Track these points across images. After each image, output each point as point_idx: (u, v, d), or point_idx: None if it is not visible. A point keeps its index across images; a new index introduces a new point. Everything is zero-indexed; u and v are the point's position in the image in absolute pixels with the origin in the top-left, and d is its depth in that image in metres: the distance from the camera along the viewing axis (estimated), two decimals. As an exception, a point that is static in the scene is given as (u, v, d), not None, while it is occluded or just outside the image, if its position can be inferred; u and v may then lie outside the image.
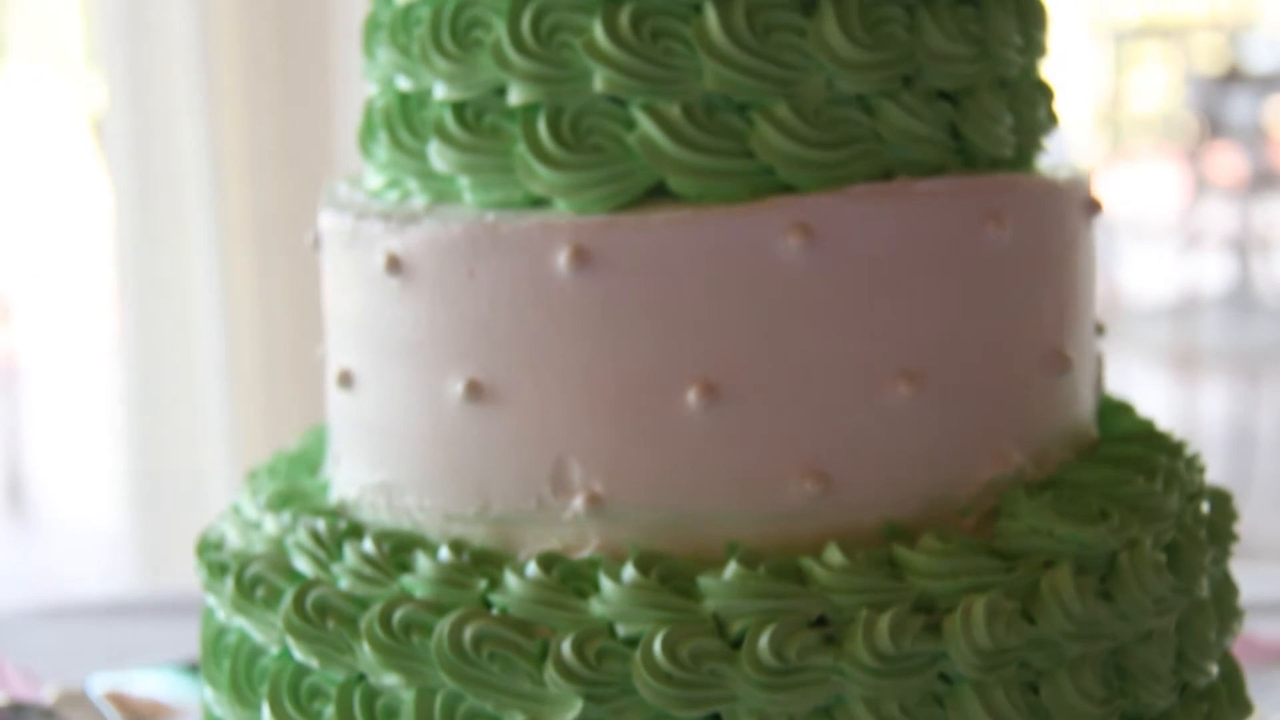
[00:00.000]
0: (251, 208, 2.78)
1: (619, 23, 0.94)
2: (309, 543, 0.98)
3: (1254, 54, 5.52)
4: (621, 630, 0.89)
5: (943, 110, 0.96)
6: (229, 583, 0.99)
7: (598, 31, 0.94)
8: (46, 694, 1.31)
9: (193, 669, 1.33)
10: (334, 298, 1.04)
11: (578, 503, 0.94)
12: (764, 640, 0.87)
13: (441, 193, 0.99)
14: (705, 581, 0.89)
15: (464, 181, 0.97)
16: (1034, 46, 1.03)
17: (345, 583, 0.96)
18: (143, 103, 2.75)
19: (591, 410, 0.94)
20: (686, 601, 0.89)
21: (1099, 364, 1.07)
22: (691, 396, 0.92)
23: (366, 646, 0.92)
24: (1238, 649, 1.09)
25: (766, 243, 0.92)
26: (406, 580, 0.94)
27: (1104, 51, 6.56)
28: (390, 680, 0.92)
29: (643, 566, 0.90)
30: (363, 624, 0.93)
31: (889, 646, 0.87)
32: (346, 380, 1.01)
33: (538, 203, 0.95)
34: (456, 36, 0.97)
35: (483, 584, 0.93)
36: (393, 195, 1.02)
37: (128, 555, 3.00)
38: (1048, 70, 1.06)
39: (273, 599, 0.97)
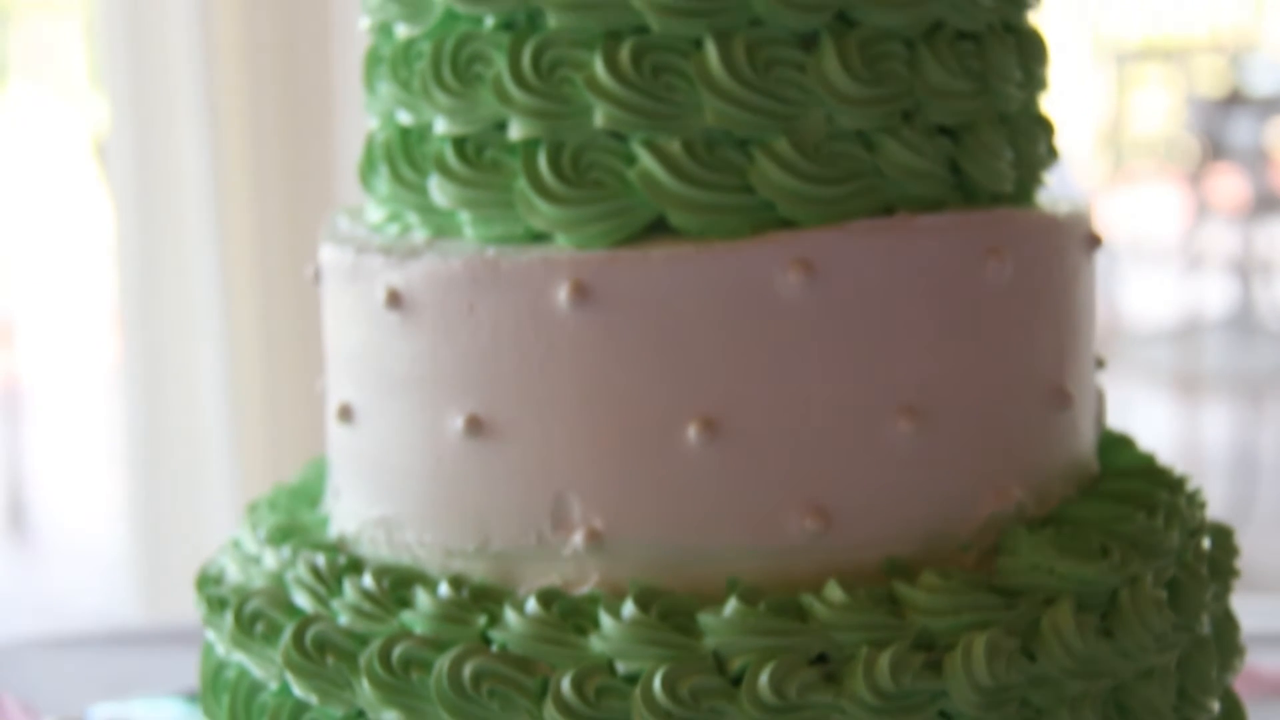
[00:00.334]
0: (254, 230, 2.78)
1: (620, 58, 0.94)
2: (309, 578, 0.98)
3: (1255, 76, 5.53)
4: (621, 667, 0.89)
5: (943, 145, 0.96)
6: (228, 618, 0.99)
7: (598, 67, 0.94)
8: (46, 725, 1.31)
9: (194, 699, 1.33)
10: (334, 332, 1.04)
11: (578, 538, 0.94)
12: (764, 678, 0.87)
13: (442, 227, 0.99)
14: (705, 618, 0.89)
15: (464, 216, 0.97)
16: (1034, 81, 1.03)
17: (345, 619, 0.96)
18: (145, 126, 2.75)
19: (591, 446, 0.93)
20: (686, 639, 0.89)
21: (1099, 398, 1.07)
22: (691, 432, 0.92)
23: (366, 683, 0.92)
24: (1239, 681, 1.08)
25: (767, 278, 0.92)
26: (406, 616, 0.94)
27: (1105, 73, 6.57)
28: (390, 717, 0.92)
29: (642, 603, 0.90)
30: (362, 660, 0.92)
31: (889, 684, 0.87)
32: (346, 414, 1.01)
33: (538, 238, 0.95)
34: (457, 71, 0.97)
35: (482, 620, 0.93)
36: (393, 229, 1.02)
37: (129, 579, 2.99)
38: (1049, 92, 1.06)
39: (272, 635, 0.97)
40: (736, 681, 0.88)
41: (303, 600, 0.98)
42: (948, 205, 0.97)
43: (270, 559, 1.03)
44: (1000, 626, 0.89)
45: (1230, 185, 5.23)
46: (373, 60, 1.04)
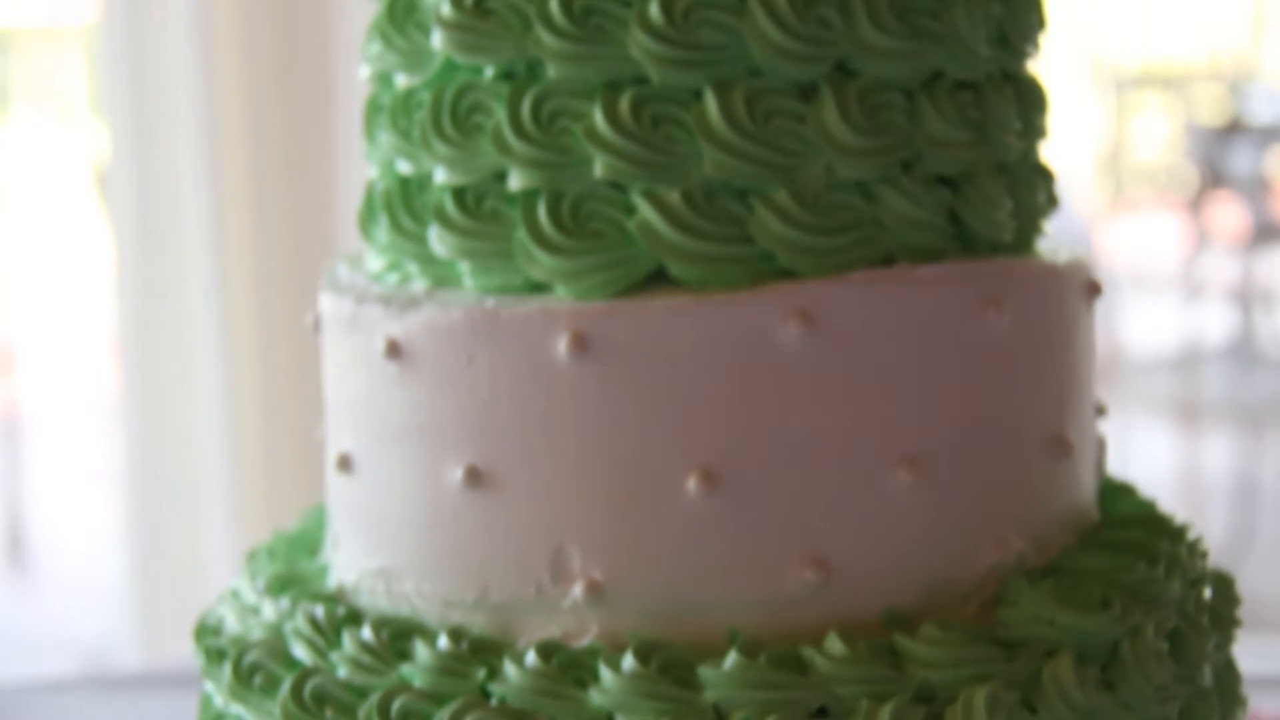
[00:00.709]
0: (254, 261, 2.78)
1: (619, 109, 0.94)
2: (307, 630, 0.98)
3: (1255, 105, 5.53)
4: (621, 721, 0.89)
5: (942, 196, 0.96)
6: (226, 669, 0.99)
7: (598, 117, 0.94)
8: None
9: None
10: (334, 381, 1.04)
11: (577, 590, 0.93)
12: (765, 732, 0.87)
13: (442, 277, 0.99)
14: (705, 672, 0.89)
15: (464, 266, 0.97)
16: (1033, 130, 1.03)
17: (344, 671, 0.96)
18: (146, 156, 2.75)
19: (591, 497, 0.93)
20: (686, 692, 0.89)
21: (1100, 446, 1.07)
22: (691, 484, 0.92)
23: (365, 736, 0.92)
24: (1241, 727, 1.08)
25: (766, 329, 0.92)
26: (405, 669, 0.94)
27: (1105, 100, 6.58)
28: (389, 770, 0.92)
29: (642, 656, 0.90)
30: (361, 714, 0.92)
31: (890, 738, 0.87)
32: (346, 464, 1.01)
33: (538, 288, 0.95)
34: (457, 121, 0.98)
35: (481, 673, 0.92)
36: (393, 278, 1.02)
37: (126, 609, 2.99)
38: (1049, 140, 1.06)
39: (270, 687, 0.97)
40: (737, 735, 0.88)
41: (301, 652, 0.98)
42: (947, 255, 0.97)
43: (269, 610, 1.02)
44: (1001, 679, 0.89)
45: (1230, 214, 5.23)
46: (372, 109, 1.04)
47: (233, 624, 1.05)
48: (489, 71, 0.97)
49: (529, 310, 0.94)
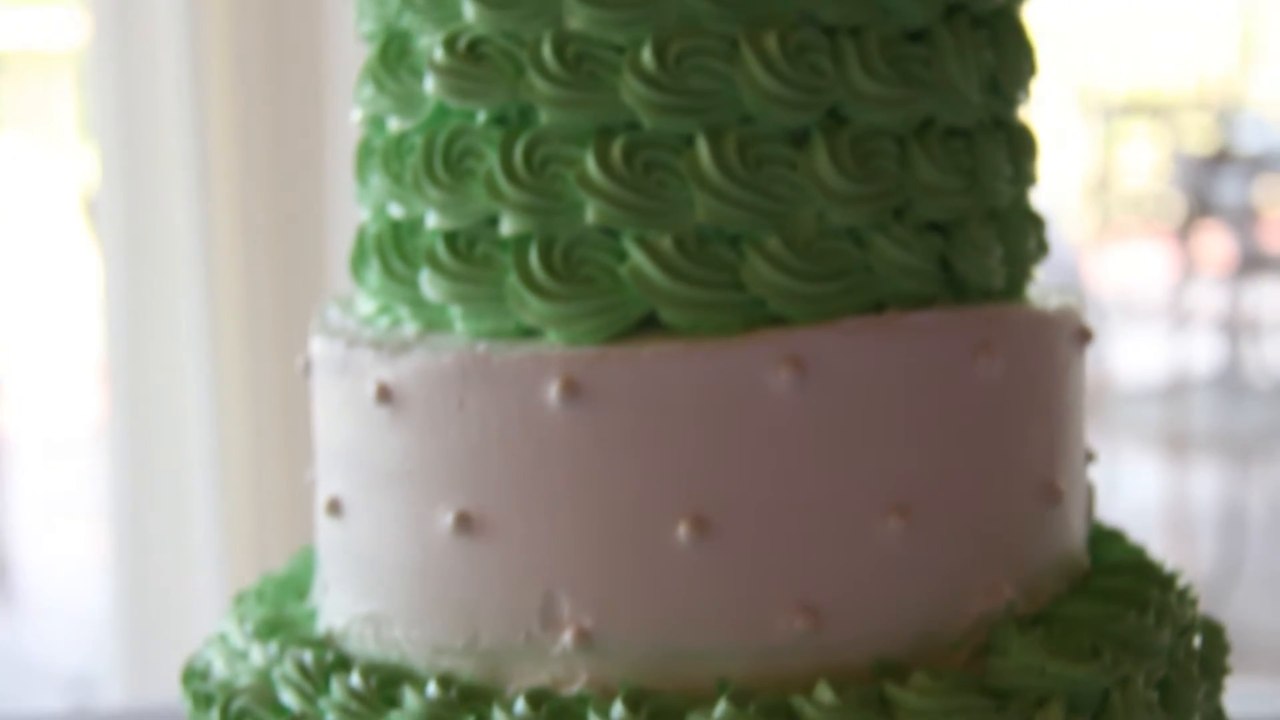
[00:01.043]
0: (244, 288, 2.77)
1: (611, 155, 0.94)
2: (296, 675, 0.98)
3: (1242, 134, 5.55)
4: (611, 770, 0.89)
5: (933, 242, 0.96)
6: (214, 715, 0.98)
7: (590, 163, 0.94)
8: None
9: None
10: (324, 425, 1.03)
11: (566, 637, 0.93)
12: (754, 781, 0.87)
13: (433, 321, 0.99)
14: (695, 720, 0.89)
15: (455, 310, 0.97)
16: (1024, 176, 1.03)
17: (332, 718, 0.95)
18: (135, 184, 2.75)
19: (581, 544, 0.93)
20: (676, 741, 0.89)
21: (1089, 493, 1.06)
22: (682, 531, 0.92)
23: (353, 783, 0.91)
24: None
25: (757, 376, 0.92)
26: (394, 716, 0.94)
27: (1092, 128, 6.60)
28: (377, 818, 0.91)
29: (631, 704, 0.90)
30: (349, 761, 0.92)
31: (880, 788, 0.87)
32: (335, 508, 1.01)
33: (529, 333, 0.95)
34: (449, 166, 0.98)
35: (471, 721, 0.92)
36: (384, 321, 1.02)
37: (112, 638, 2.98)
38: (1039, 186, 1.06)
39: (259, 733, 0.97)
40: (726, 785, 0.87)
41: (290, 698, 0.98)
42: (938, 301, 0.97)
43: (257, 655, 1.02)
44: (991, 728, 0.89)
45: (1218, 243, 5.25)
46: (364, 152, 1.04)
47: (220, 668, 1.04)
48: (481, 116, 0.97)
49: (520, 355, 0.94)
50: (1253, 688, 1.52)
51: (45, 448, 5.51)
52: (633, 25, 0.94)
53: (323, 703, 0.96)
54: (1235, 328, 5.00)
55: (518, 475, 0.94)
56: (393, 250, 1.00)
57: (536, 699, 0.91)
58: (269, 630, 1.04)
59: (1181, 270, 5.22)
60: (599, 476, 0.93)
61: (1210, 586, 3.90)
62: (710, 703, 0.90)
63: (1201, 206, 5.15)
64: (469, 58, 0.97)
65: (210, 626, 2.75)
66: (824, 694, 0.90)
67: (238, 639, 1.05)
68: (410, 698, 0.94)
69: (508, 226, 0.95)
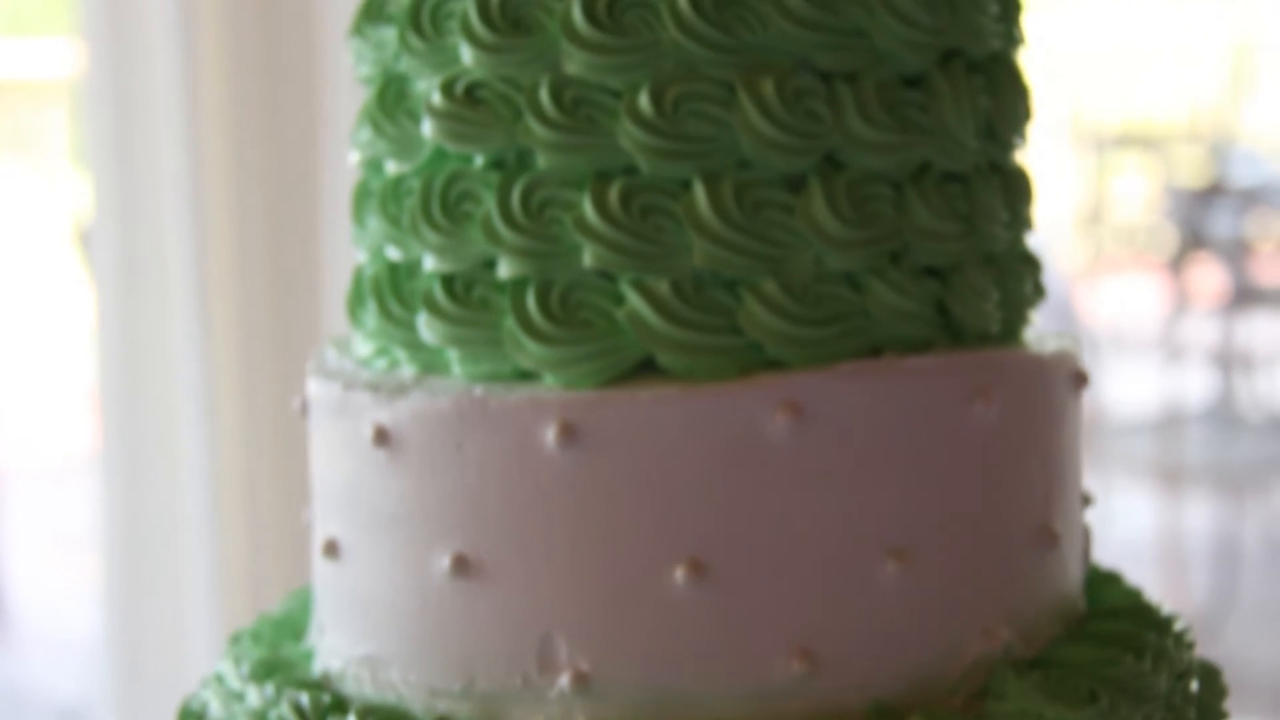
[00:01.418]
0: (239, 318, 2.77)
1: (608, 199, 0.94)
2: (292, 717, 0.98)
3: (1235, 168, 5.56)
4: (607, 815, 0.89)
5: (930, 287, 0.97)
6: (211, 758, 0.99)
7: (587, 207, 0.94)
8: None
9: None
10: (321, 466, 1.03)
11: (564, 681, 0.93)
12: (751, 827, 0.87)
13: (430, 364, 0.99)
14: (692, 765, 0.89)
15: (453, 353, 0.97)
16: (1020, 221, 1.03)
17: (329, 761, 0.95)
18: (130, 213, 2.75)
19: (578, 587, 0.93)
20: (673, 786, 0.89)
21: (1086, 536, 1.07)
22: (679, 574, 0.92)
23: (349, 828, 0.91)
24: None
25: (754, 421, 0.92)
26: (390, 760, 0.94)
27: (1085, 159, 6.61)
28: None
29: (629, 749, 0.90)
30: (346, 805, 0.92)
31: (877, 834, 0.87)
32: (332, 550, 1.01)
33: (526, 376, 0.95)
34: (446, 209, 0.98)
35: (467, 765, 0.92)
36: (381, 364, 1.02)
37: (105, 668, 2.97)
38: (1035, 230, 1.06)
39: (255, 777, 0.97)
40: (723, 830, 0.87)
41: (286, 742, 0.98)
42: (935, 346, 0.97)
43: (254, 696, 1.02)
44: (988, 773, 0.89)
45: (1210, 276, 5.26)
46: (362, 195, 1.04)
47: (216, 710, 1.04)
48: (479, 160, 0.98)
49: (517, 399, 0.94)
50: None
51: (38, 477, 5.50)
52: (630, 70, 0.94)
53: (319, 746, 0.96)
54: (1228, 361, 5.01)
55: (515, 518, 0.94)
56: (390, 293, 1.00)
57: (533, 743, 0.92)
58: (265, 671, 1.04)
59: (1174, 303, 5.23)
60: (596, 520, 0.93)
61: (1204, 620, 3.90)
62: (707, 747, 0.90)
63: (1194, 239, 5.17)
64: (467, 102, 0.97)
65: (203, 657, 2.75)
66: (821, 739, 0.90)
67: (234, 680, 1.05)
68: (407, 742, 0.94)
69: (505, 270, 0.96)
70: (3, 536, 4.90)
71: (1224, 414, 4.97)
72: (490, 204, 0.96)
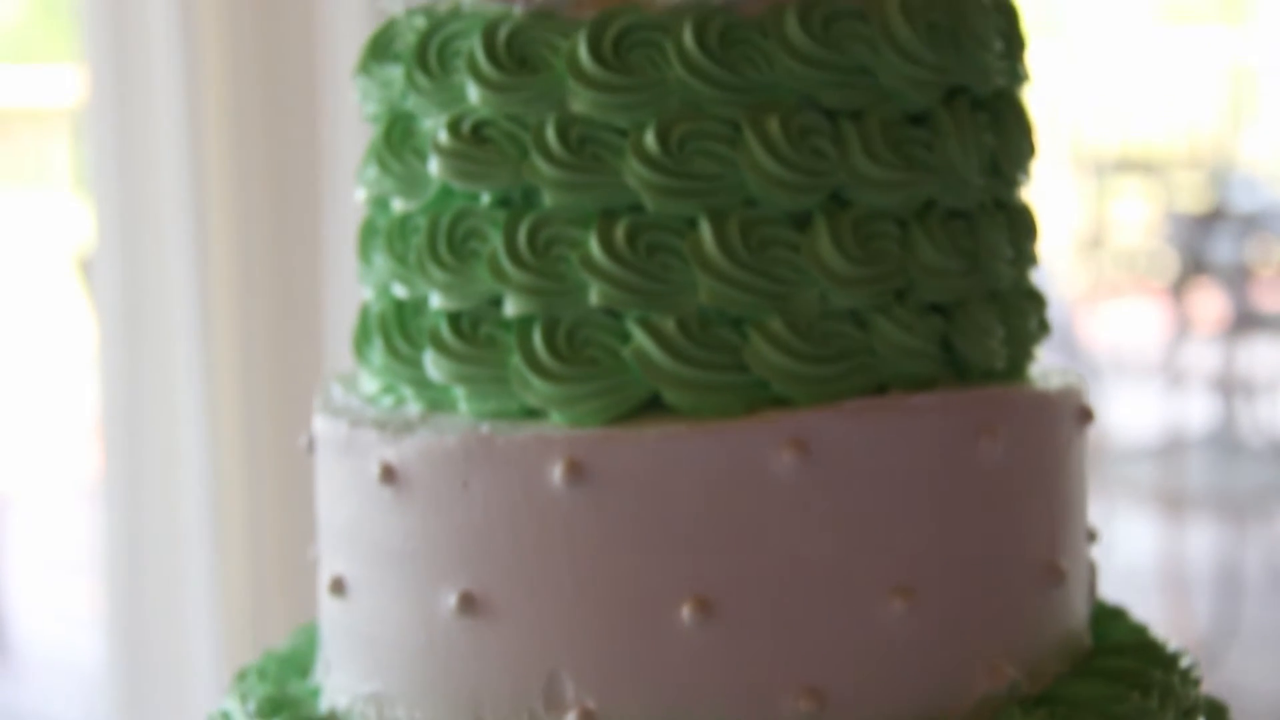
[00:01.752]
0: (241, 348, 2.78)
1: (614, 237, 0.94)
2: (299, 756, 0.98)
3: (1235, 193, 5.57)
4: None
5: (935, 324, 0.97)
6: (218, 796, 0.99)
7: (593, 245, 0.94)
8: None
9: None
10: (327, 503, 1.04)
11: (571, 718, 0.93)
12: None
13: (436, 401, 0.99)
14: (699, 804, 0.89)
15: (459, 391, 0.98)
16: (1024, 257, 1.03)
17: (335, 800, 0.95)
18: (132, 242, 2.75)
19: (585, 625, 0.93)
20: (680, 825, 0.89)
21: (1092, 572, 1.07)
22: (685, 612, 0.92)
23: None
24: None
25: (761, 458, 0.92)
26: (397, 799, 0.94)
27: (1085, 184, 6.62)
28: None
29: (636, 787, 0.90)
30: (353, 844, 0.92)
31: None
32: (339, 588, 1.01)
33: (533, 414, 0.96)
34: (453, 247, 0.98)
35: (474, 804, 0.92)
36: (388, 401, 1.02)
37: (108, 698, 2.97)
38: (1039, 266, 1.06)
39: (262, 815, 0.97)
40: None
41: (293, 780, 0.98)
42: (940, 383, 0.97)
43: (260, 734, 1.02)
44: (995, 812, 0.89)
45: (1211, 302, 5.26)
46: (368, 232, 1.05)
47: (223, 748, 1.04)
48: (485, 198, 0.98)
49: (524, 437, 0.94)
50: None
51: (41, 504, 5.50)
52: (636, 109, 0.95)
53: (326, 785, 0.96)
54: (1229, 386, 5.01)
55: (522, 556, 0.94)
56: (396, 330, 1.01)
57: (540, 781, 0.92)
58: (271, 709, 1.04)
59: (1175, 328, 5.23)
60: (603, 557, 0.93)
61: (1206, 647, 3.89)
62: (714, 785, 0.90)
63: (1195, 264, 5.17)
64: (473, 140, 0.97)
65: (206, 685, 2.75)
66: (828, 777, 0.90)
67: (240, 717, 1.05)
68: (414, 780, 0.94)
69: (511, 308, 0.96)
70: (5, 563, 4.89)
71: (1225, 440, 4.97)
72: (497, 242, 0.96)
